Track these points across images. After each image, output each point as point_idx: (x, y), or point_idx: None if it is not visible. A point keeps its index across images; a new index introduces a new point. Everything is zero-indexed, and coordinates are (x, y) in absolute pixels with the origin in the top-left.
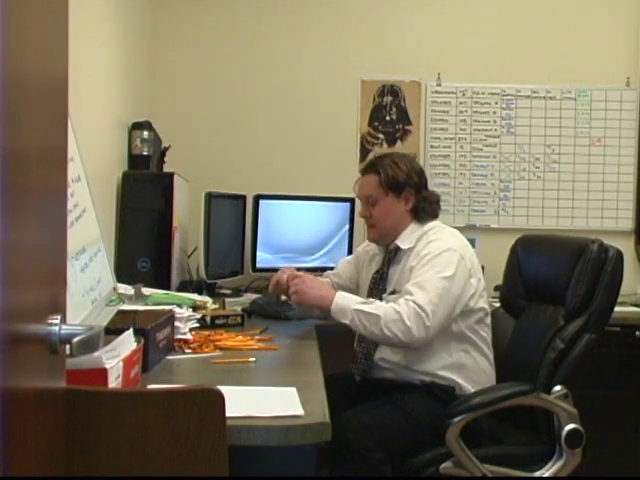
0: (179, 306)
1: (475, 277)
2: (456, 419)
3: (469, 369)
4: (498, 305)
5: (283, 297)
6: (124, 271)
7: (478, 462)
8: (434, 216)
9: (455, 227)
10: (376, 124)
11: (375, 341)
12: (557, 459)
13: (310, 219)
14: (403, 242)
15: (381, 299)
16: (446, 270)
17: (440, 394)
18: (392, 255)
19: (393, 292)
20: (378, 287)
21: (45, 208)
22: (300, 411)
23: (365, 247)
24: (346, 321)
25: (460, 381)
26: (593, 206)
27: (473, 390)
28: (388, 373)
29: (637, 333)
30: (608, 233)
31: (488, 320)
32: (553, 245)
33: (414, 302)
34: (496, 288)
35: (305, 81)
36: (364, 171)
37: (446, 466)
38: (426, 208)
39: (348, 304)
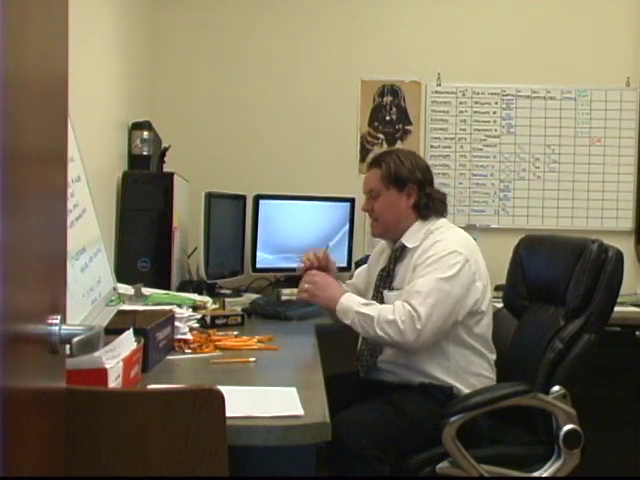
0: (179, 306)
1: (480, 281)
2: (452, 419)
3: (468, 373)
4: (500, 305)
5: (284, 297)
6: (124, 271)
7: (474, 462)
8: (439, 214)
9: None
10: (376, 124)
11: (374, 342)
12: (555, 459)
13: (310, 219)
14: (408, 240)
15: (383, 295)
16: (447, 271)
17: (437, 394)
18: (398, 253)
19: (392, 289)
20: (384, 284)
21: (45, 208)
22: (300, 411)
23: (376, 250)
24: (347, 322)
25: (459, 385)
26: (593, 206)
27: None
28: (389, 375)
29: (637, 333)
30: (608, 233)
31: (489, 322)
32: (554, 245)
33: (409, 304)
34: (497, 288)
35: (305, 81)
36: (369, 165)
37: (442, 466)
38: (429, 205)
39: (351, 305)
